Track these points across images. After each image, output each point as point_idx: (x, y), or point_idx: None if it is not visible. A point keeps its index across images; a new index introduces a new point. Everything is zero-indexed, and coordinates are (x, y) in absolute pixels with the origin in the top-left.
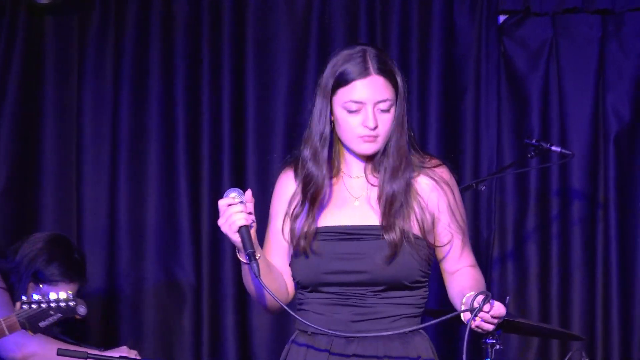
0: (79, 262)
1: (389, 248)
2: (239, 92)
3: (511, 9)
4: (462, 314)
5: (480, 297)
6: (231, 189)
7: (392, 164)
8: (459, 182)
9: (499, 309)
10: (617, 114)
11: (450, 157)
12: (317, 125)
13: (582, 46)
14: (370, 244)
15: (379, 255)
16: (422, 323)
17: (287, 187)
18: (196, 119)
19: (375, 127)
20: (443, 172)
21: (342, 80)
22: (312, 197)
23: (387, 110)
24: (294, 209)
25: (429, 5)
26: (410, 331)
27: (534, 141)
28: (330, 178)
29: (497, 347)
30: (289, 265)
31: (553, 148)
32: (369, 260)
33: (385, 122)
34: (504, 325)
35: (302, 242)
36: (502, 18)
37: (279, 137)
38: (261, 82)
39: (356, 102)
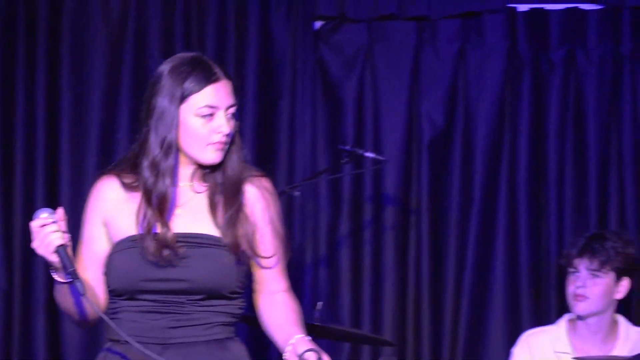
0: None
1: (225, 258)
2: (53, 100)
3: (327, 15)
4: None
5: (313, 356)
6: (41, 209)
7: (235, 175)
8: (274, 187)
9: None
10: (431, 120)
11: (267, 167)
12: (163, 134)
13: (397, 53)
14: (191, 252)
15: (199, 264)
16: (235, 331)
17: (105, 193)
18: (9, 128)
19: (229, 134)
20: (267, 183)
21: (193, 87)
22: (159, 206)
23: (233, 116)
24: (145, 220)
25: (245, 11)
26: (228, 339)
27: (348, 147)
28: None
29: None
30: (104, 274)
31: (367, 154)
32: (189, 269)
33: (233, 128)
34: (315, 331)
35: (166, 252)
36: (318, 24)
37: (93, 145)
38: (76, 89)
39: (211, 106)
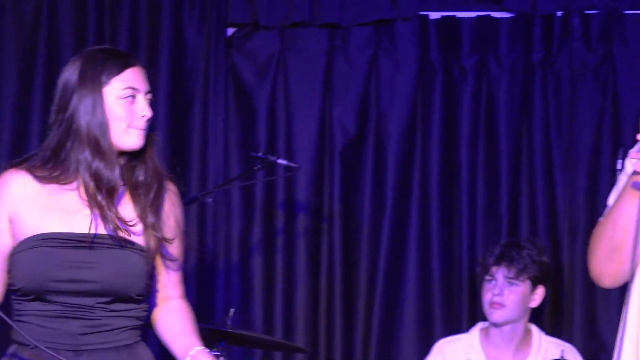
0: None
1: (135, 259)
2: None
3: (240, 22)
4: None
5: None
6: None
7: (157, 172)
8: (186, 194)
9: None
10: (343, 127)
11: (177, 170)
12: (94, 120)
13: (309, 60)
14: (103, 253)
15: (110, 266)
16: (142, 334)
17: (12, 188)
18: None
19: (149, 118)
20: (173, 186)
21: (113, 70)
22: (109, 195)
23: (151, 104)
24: (103, 214)
25: (158, 16)
26: (135, 343)
27: (260, 154)
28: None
29: (221, 359)
30: (8, 271)
31: (279, 161)
32: (101, 271)
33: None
34: (227, 338)
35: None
36: (230, 31)
37: (4, 148)
38: None
39: (133, 88)
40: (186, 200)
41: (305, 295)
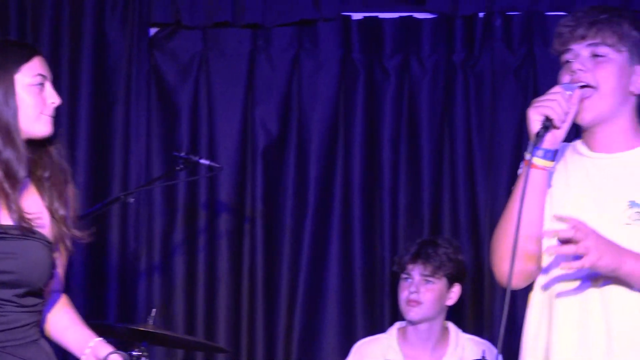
0: None
1: (43, 251)
2: None
3: (162, 22)
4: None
5: (118, 358)
6: None
7: (62, 165)
8: (108, 194)
9: None
10: (265, 128)
11: (100, 170)
12: (7, 109)
13: (232, 60)
14: (16, 244)
15: (26, 256)
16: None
17: None
18: None
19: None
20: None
21: (22, 57)
22: (13, 185)
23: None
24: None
25: (80, 15)
26: (39, 339)
27: (182, 154)
28: None
29: (143, 359)
30: None
31: (201, 161)
32: (18, 261)
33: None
34: (149, 338)
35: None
36: (153, 30)
37: None
38: None
39: (42, 75)
40: (108, 200)
41: (227, 295)
